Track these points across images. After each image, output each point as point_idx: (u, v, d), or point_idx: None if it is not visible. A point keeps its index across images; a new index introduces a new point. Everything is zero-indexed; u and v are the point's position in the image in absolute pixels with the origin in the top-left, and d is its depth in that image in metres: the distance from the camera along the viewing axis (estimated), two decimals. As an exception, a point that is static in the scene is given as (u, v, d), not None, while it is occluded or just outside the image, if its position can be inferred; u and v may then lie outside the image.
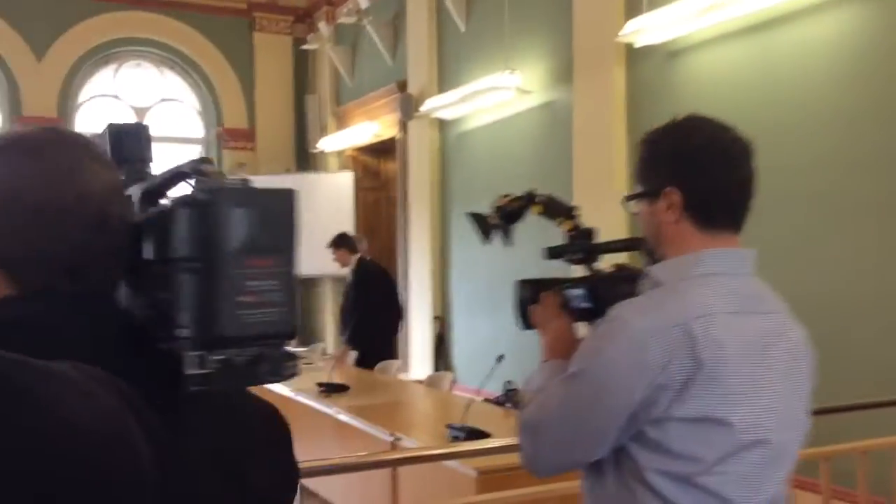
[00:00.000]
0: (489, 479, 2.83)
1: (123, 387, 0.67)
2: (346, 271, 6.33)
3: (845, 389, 3.20)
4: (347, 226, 7.51)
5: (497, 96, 6.20)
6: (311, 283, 9.51)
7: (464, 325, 6.97)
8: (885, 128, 3.70)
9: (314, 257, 8.24)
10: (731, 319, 1.25)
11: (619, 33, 4.90)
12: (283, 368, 0.75)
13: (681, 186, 1.30)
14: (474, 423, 3.32)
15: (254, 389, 0.82)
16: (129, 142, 0.90)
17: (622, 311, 1.27)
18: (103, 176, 0.80)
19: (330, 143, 8.97)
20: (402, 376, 6.37)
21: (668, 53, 4.83)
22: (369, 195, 8.89)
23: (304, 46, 9.25)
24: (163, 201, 0.80)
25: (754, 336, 1.27)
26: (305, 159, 9.60)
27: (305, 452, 4.20)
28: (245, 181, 0.76)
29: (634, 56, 5.04)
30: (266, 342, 0.73)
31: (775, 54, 4.20)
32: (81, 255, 0.77)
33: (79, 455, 0.59)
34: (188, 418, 0.77)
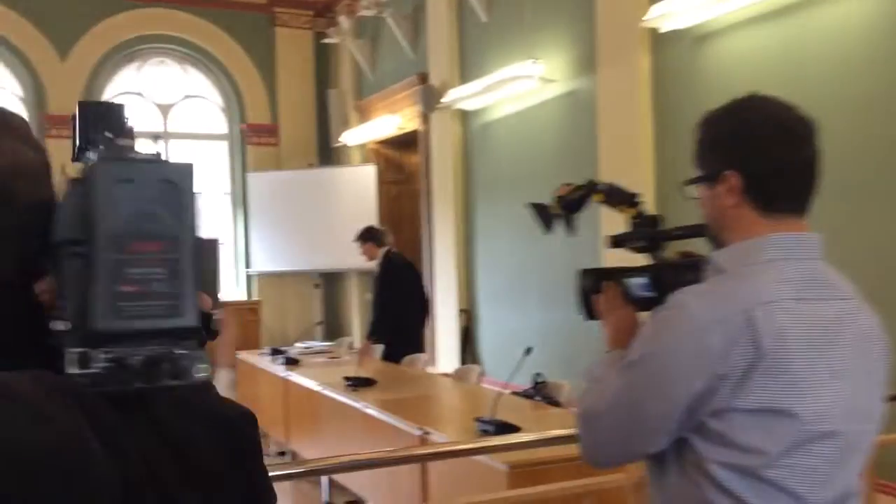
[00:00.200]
0: (520, 474, 2.80)
1: (88, 397, 0.62)
2: (372, 265, 6.32)
3: None
4: (371, 219, 7.49)
5: (520, 86, 6.14)
6: (336, 277, 9.52)
7: (490, 317, 6.93)
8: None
9: (339, 251, 8.27)
10: (795, 306, 1.20)
11: (644, 18, 4.82)
12: (187, 371, 0.66)
13: (740, 169, 1.27)
14: (503, 416, 3.28)
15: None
16: (97, 121, 0.84)
17: (682, 299, 1.24)
18: (17, 154, 0.73)
19: (352, 136, 8.96)
20: (430, 370, 6.35)
21: (695, 38, 4.75)
22: (392, 188, 8.86)
23: (325, 40, 9.23)
24: None
25: (821, 323, 1.22)
26: (328, 154, 9.60)
27: (334, 447, 4.23)
28: (154, 154, 0.67)
29: (659, 42, 4.96)
30: (158, 340, 0.65)
31: (805, 38, 4.11)
32: None
33: (23, 487, 0.54)
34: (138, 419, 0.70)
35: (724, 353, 1.17)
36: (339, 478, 4.28)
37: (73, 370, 0.63)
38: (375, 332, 5.99)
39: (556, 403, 4.19)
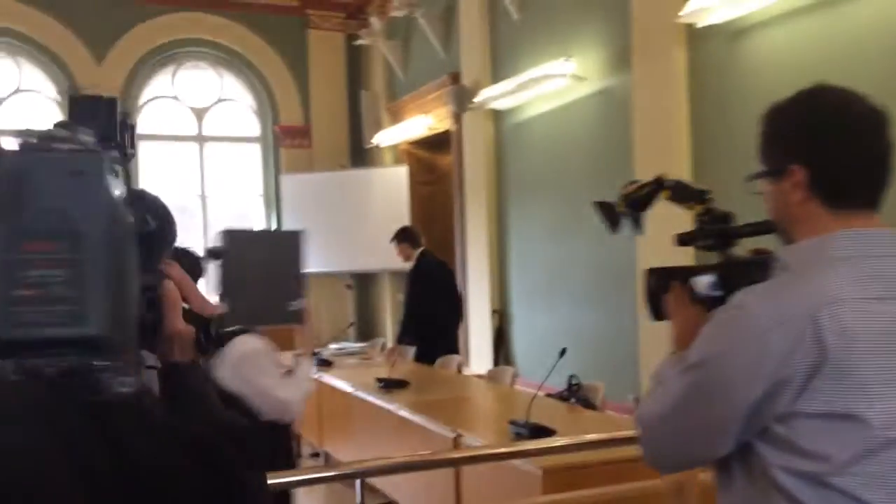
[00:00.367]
0: (555, 478, 2.74)
1: (63, 416, 0.58)
2: (406, 266, 6.30)
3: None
4: (403, 220, 7.47)
5: (552, 84, 6.07)
6: (369, 278, 9.52)
7: (524, 318, 6.87)
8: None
9: (372, 252, 8.27)
10: (866, 306, 1.14)
11: (680, 13, 4.73)
12: (105, 386, 0.60)
13: (805, 163, 1.22)
14: (538, 418, 3.23)
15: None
16: (88, 117, 0.82)
17: (743, 299, 1.20)
18: None
19: (384, 137, 8.95)
20: (463, 371, 6.31)
21: (733, 33, 4.64)
22: (424, 189, 8.84)
23: (357, 42, 9.24)
24: None
25: (892, 324, 1.15)
26: (360, 155, 9.60)
27: (366, 448, 4.20)
28: (83, 145, 0.61)
29: (696, 37, 4.86)
30: (65, 350, 0.58)
31: (849, 31, 3.99)
32: None
33: None
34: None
35: (787, 355, 1.12)
36: (373, 480, 4.25)
37: None
38: (406, 334, 5.96)
39: (591, 406, 4.13)
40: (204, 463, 0.73)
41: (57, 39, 8.44)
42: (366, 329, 9.44)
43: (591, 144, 5.87)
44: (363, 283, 9.63)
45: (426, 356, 5.85)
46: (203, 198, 9.42)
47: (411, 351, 5.99)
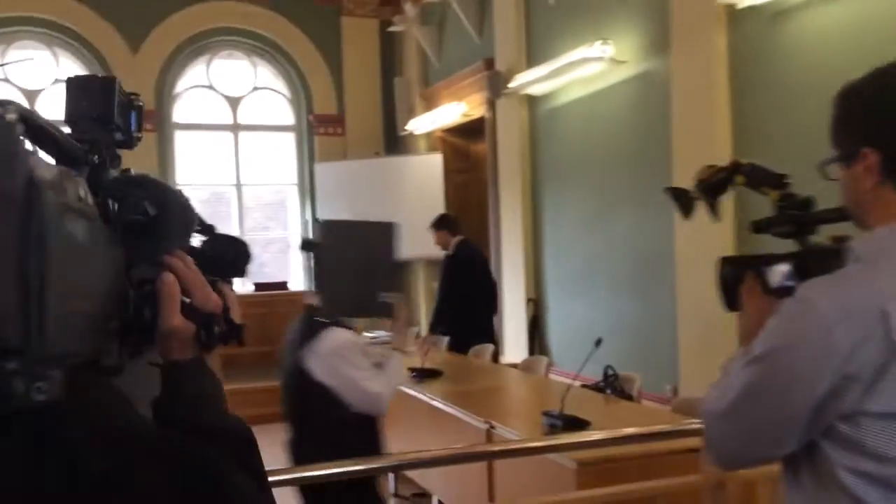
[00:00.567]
0: (589, 472, 2.68)
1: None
2: (440, 254, 6.25)
3: None
4: (437, 208, 7.42)
5: (589, 68, 5.96)
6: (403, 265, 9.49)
7: (558, 307, 6.78)
8: None
9: (406, 240, 8.20)
10: None
11: (720, -6, 4.59)
12: (15, 394, 0.53)
13: (877, 146, 1.14)
14: (572, 410, 3.16)
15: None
16: (82, 97, 0.77)
17: (809, 290, 1.13)
18: None
19: (418, 125, 8.89)
20: (498, 360, 6.25)
21: (774, 14, 4.49)
22: (458, 177, 8.77)
23: (391, 28, 9.18)
24: None
25: None
26: (394, 142, 9.56)
27: (399, 438, 4.15)
28: None
29: (737, 18, 4.72)
30: None
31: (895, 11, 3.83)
32: None
33: None
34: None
35: (853, 351, 1.06)
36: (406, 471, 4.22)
37: None
38: (439, 323, 5.92)
39: (627, 397, 4.05)
40: (169, 468, 0.68)
41: (93, 30, 8.51)
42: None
43: (627, 130, 5.75)
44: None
45: (460, 345, 5.80)
46: (238, 186, 9.46)
47: (445, 340, 5.94)
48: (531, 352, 6.81)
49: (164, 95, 8.98)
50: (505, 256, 7.37)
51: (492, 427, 3.41)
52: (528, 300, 7.02)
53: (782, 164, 1.55)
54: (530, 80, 6.66)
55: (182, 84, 9.22)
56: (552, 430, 3.11)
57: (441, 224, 6.20)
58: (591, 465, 2.69)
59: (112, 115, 0.80)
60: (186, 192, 0.93)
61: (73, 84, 0.79)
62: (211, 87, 9.42)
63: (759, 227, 1.44)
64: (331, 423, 2.63)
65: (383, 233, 2.88)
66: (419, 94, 9.07)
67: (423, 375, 4.60)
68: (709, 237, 4.46)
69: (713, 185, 1.56)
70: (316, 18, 9.42)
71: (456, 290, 6.01)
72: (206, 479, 0.71)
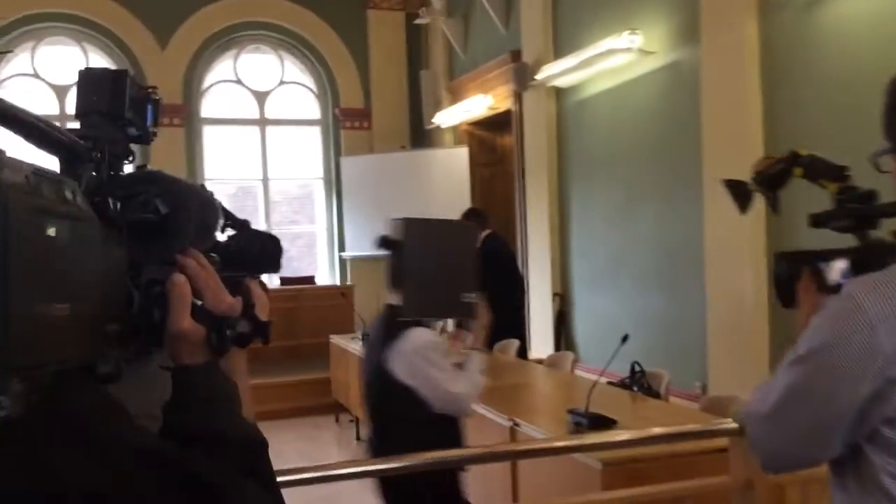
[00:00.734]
0: (615, 472, 2.62)
1: None
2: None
3: None
4: (464, 202, 7.37)
5: (617, 59, 5.86)
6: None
7: (585, 302, 6.70)
8: None
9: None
10: None
11: (752, -18, 4.48)
12: None
13: None
14: (598, 407, 3.09)
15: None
16: (92, 92, 0.74)
17: (854, 289, 1.09)
18: None
19: (444, 118, 8.84)
20: (524, 354, 6.19)
21: (807, 2, 4.37)
22: (485, 170, 8.71)
23: (417, 21, 9.14)
24: None
25: None
26: (420, 136, 9.52)
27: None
28: None
29: (768, 6, 4.60)
30: None
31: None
32: None
33: None
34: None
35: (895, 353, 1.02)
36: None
37: None
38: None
39: (654, 394, 3.97)
40: (162, 482, 0.65)
41: (122, 25, 8.57)
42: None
43: (656, 122, 5.65)
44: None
45: (488, 340, 5.75)
46: (265, 181, 9.49)
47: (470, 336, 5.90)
48: (557, 347, 6.74)
49: (192, 90, 9.01)
50: (531, 251, 7.31)
51: (516, 425, 3.36)
52: (555, 295, 6.95)
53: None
54: (557, 72, 6.57)
55: (210, 79, 9.25)
56: (577, 428, 3.06)
57: (470, 217, 6.16)
58: (617, 465, 2.63)
59: (122, 110, 0.77)
60: (211, 188, 0.89)
61: (84, 78, 0.76)
62: (238, 82, 9.45)
63: (818, 220, 1.38)
64: (413, 423, 2.61)
65: (464, 232, 2.87)
66: (445, 86, 9.02)
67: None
68: (739, 230, 4.36)
69: (771, 177, 1.50)
70: (342, 12, 9.41)
71: (483, 284, 5.96)
72: (203, 494, 0.68)
